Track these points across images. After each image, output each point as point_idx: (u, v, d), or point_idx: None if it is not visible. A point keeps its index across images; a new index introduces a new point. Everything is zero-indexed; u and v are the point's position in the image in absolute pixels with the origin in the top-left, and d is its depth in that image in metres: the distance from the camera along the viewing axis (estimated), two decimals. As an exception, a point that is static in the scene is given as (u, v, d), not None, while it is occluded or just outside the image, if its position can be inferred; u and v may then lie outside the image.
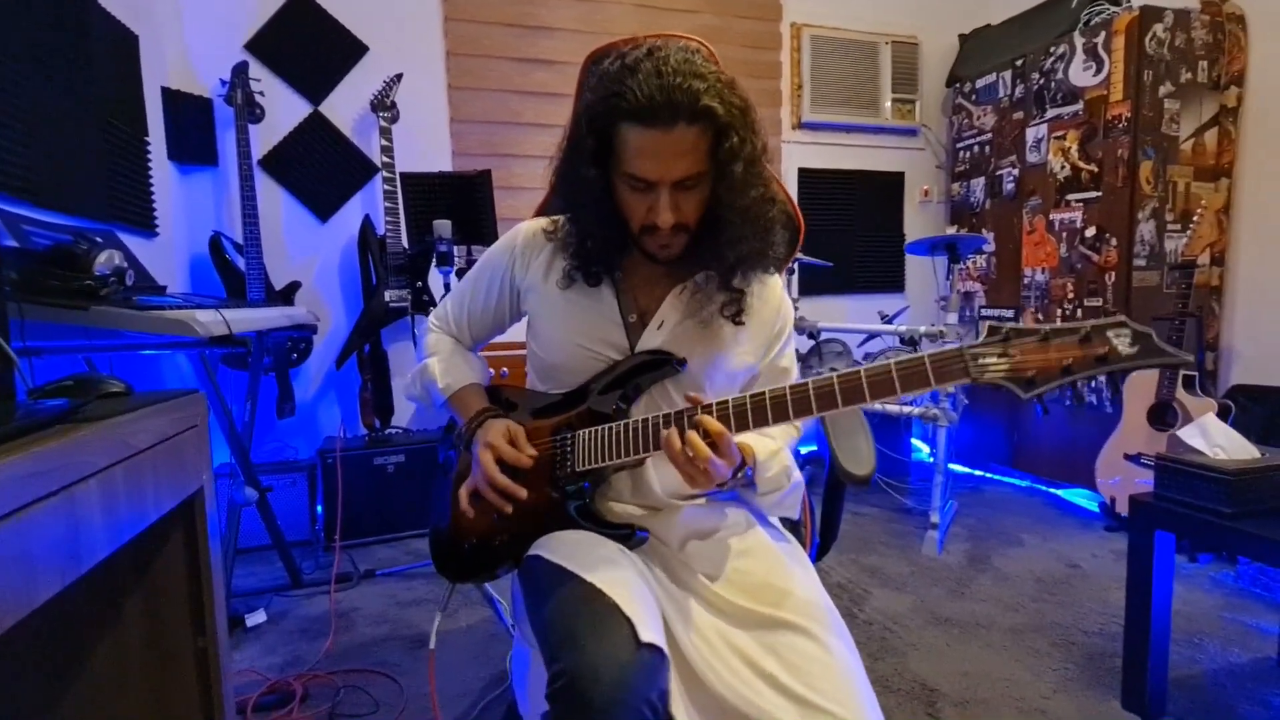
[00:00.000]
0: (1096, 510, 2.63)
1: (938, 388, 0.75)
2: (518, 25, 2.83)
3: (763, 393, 0.83)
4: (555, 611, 0.77)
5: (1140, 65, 2.41)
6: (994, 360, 0.72)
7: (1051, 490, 2.92)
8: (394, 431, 2.66)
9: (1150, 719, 1.38)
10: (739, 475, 0.88)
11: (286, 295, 2.49)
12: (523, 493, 0.92)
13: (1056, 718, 1.40)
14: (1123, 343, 0.69)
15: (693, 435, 0.80)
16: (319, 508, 2.48)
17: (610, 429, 0.91)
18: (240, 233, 2.35)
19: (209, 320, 1.28)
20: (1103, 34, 2.51)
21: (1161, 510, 1.31)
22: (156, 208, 2.14)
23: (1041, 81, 2.77)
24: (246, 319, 1.45)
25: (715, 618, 0.86)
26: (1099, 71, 2.53)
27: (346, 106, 2.66)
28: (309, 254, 2.67)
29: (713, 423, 0.80)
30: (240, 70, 2.38)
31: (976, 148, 3.15)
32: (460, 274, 2.02)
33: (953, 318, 2.34)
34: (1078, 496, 2.80)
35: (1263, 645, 1.64)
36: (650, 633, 0.72)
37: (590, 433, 0.93)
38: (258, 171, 2.50)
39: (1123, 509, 2.36)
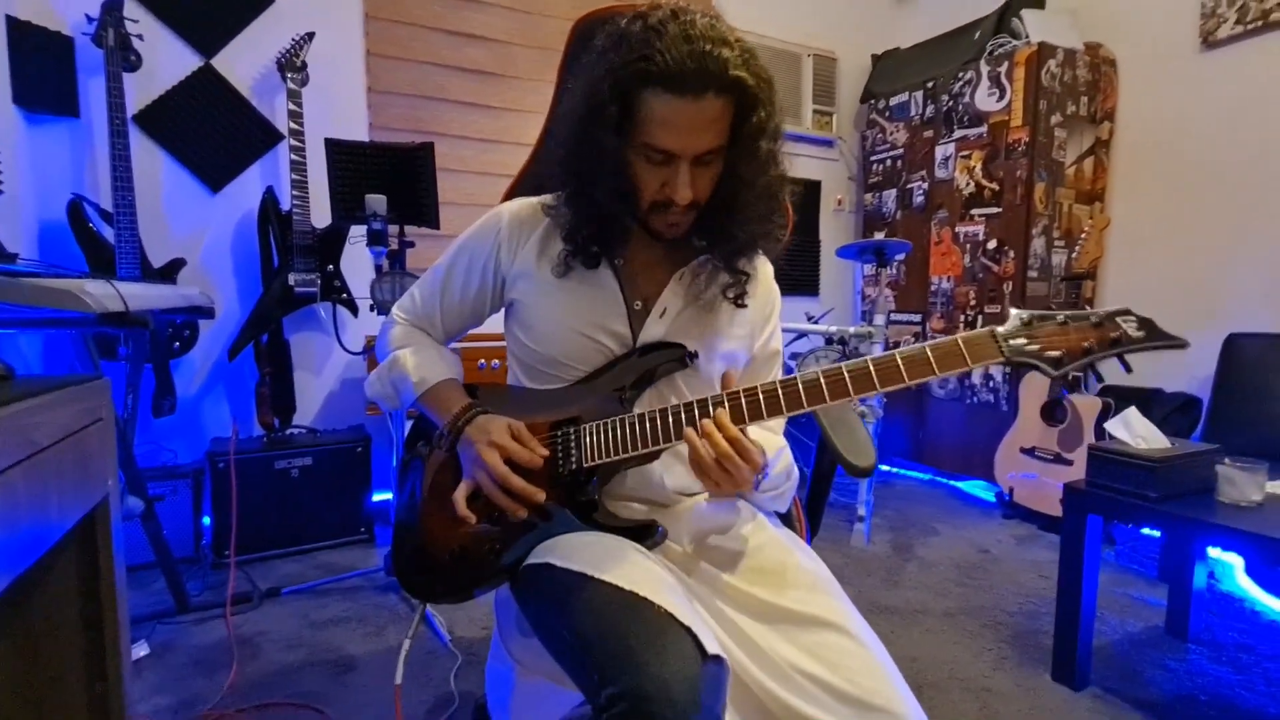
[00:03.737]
0: (993, 500, 2.87)
1: (973, 367, 0.76)
2: (447, -5, 2.64)
3: (794, 378, 0.79)
4: (595, 626, 0.68)
5: (1037, 95, 2.66)
6: (1023, 342, 0.75)
7: (952, 482, 3.16)
8: (297, 431, 2.38)
9: (1077, 689, 1.50)
10: (758, 478, 0.84)
11: (167, 274, 2.15)
12: (541, 495, 0.82)
13: (999, 694, 1.49)
14: (1130, 327, 0.74)
15: (725, 422, 0.75)
16: (206, 519, 2.16)
17: (621, 422, 0.84)
18: (109, 198, 2.00)
19: (101, 293, 1.05)
20: (1005, 64, 2.74)
21: (1094, 496, 1.43)
22: None
23: (950, 104, 2.99)
24: (144, 295, 1.21)
25: (741, 615, 0.82)
26: (1001, 98, 2.77)
27: (246, 63, 2.34)
28: (196, 228, 2.33)
29: (729, 428, 0.76)
30: (112, 7, 2.01)
31: (889, 161, 3.35)
32: (393, 256, 1.83)
33: (880, 319, 2.45)
34: (975, 487, 3.04)
35: (1151, 615, 1.85)
36: (713, 643, 0.66)
37: (598, 426, 0.85)
38: (133, 128, 2.14)
39: (1020, 499, 2.59)
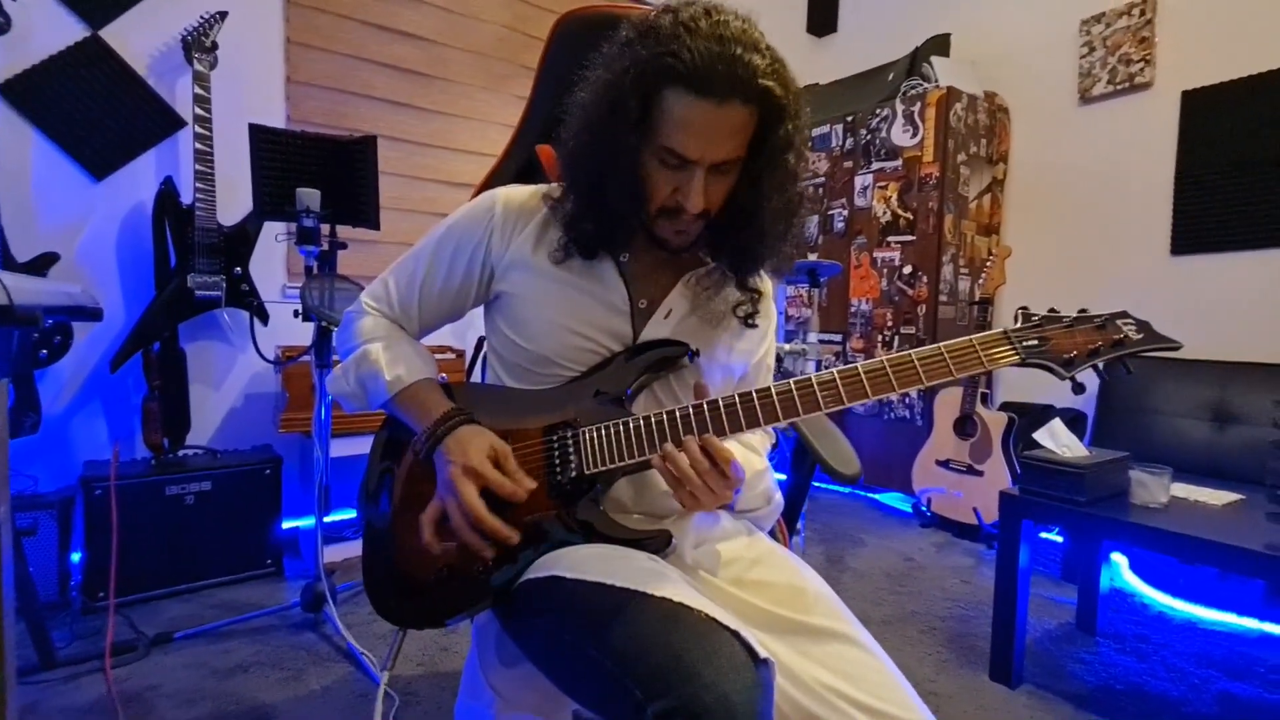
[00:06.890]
0: (910, 511, 3.03)
1: (989, 369, 0.76)
2: (377, -13, 2.50)
3: (809, 378, 0.78)
4: (632, 638, 0.62)
5: (946, 135, 2.89)
6: (1036, 343, 0.76)
7: (870, 495, 3.31)
8: (192, 452, 2.11)
9: (1013, 686, 1.58)
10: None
11: (36, 269, 1.85)
12: (516, 538, 0.75)
13: (946, 697, 1.54)
14: (1130, 330, 0.76)
15: (711, 441, 0.73)
16: (76, 556, 1.85)
17: (624, 425, 0.79)
18: (-38, 179, 1.71)
19: (-18, 282, 0.86)
20: (918, 104, 2.97)
21: (1027, 502, 1.53)
22: None
23: (868, 137, 3.19)
24: (30, 289, 1.01)
25: (750, 628, 0.78)
26: (915, 135, 2.99)
27: (144, 38, 2.09)
28: (73, 219, 2.03)
29: (715, 444, 0.74)
30: (-24, -41, 1.74)
31: (811, 188, 3.52)
32: (325, 257, 1.67)
33: (814, 337, 2.54)
34: (892, 499, 3.20)
35: (1062, 613, 2.00)
36: (762, 647, 0.62)
37: (598, 430, 0.80)
38: (-3, 100, 1.84)
39: (938, 509, 2.75)
